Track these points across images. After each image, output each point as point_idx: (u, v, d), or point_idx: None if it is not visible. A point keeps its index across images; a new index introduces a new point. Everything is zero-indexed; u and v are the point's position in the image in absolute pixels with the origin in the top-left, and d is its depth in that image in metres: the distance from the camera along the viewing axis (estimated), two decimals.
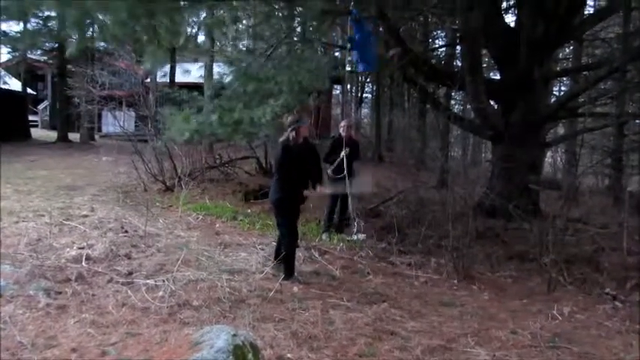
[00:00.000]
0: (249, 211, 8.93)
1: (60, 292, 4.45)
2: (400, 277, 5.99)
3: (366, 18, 7.82)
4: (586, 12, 12.34)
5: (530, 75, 8.99)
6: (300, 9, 7.75)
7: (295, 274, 5.41)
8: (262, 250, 6.41)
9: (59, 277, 4.79)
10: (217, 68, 13.18)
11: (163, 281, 4.80)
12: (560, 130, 17.83)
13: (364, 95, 24.98)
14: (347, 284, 5.45)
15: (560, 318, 4.79)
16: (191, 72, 20.44)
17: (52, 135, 22.19)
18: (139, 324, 3.92)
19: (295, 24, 8.99)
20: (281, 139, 5.46)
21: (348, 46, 6.91)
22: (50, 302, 4.19)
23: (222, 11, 8.69)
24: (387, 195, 9.96)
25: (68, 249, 5.63)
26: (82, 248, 5.65)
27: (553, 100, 14.20)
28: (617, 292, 5.67)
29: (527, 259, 6.87)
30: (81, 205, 8.37)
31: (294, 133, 5.30)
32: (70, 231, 6.58)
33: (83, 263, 5.17)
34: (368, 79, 20.86)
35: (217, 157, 12.35)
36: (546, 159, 17.67)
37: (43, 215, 7.22)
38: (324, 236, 7.43)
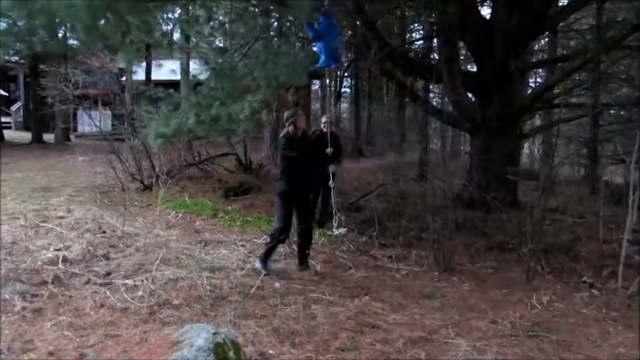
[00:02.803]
0: (229, 208, 8.85)
1: (36, 295, 4.37)
2: (381, 270, 6.00)
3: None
4: (560, 4, 12.50)
5: (506, 67, 9.07)
6: (277, 5, 7.70)
7: (269, 265, 5.47)
8: (243, 246, 6.38)
9: (35, 279, 4.70)
10: (194, 65, 13.06)
11: (142, 281, 4.75)
12: (537, 121, 18.05)
13: (343, 90, 25.00)
14: (329, 279, 5.45)
15: (539, 307, 4.85)
16: (170, 68, 20.24)
17: (26, 136, 21.79)
18: (118, 325, 3.87)
19: (272, 19, 8.94)
20: (281, 134, 5.62)
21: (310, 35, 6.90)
22: (26, 305, 4.11)
23: (197, 8, 8.58)
24: (367, 188, 10.00)
25: (44, 251, 5.54)
26: (59, 250, 5.57)
27: (529, 91, 14.37)
28: (594, 281, 5.75)
29: (507, 249, 6.94)
30: (57, 207, 8.22)
31: (292, 127, 5.45)
32: (46, 233, 6.47)
33: (60, 265, 5.10)
34: (346, 74, 20.88)
35: (196, 154, 12.24)
36: (524, 150, 17.87)
37: (17, 218, 7.07)
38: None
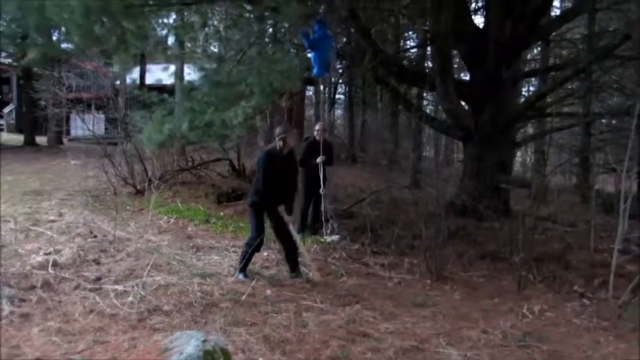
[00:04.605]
0: (221, 213, 8.83)
1: (24, 300, 4.32)
2: (374, 277, 5.99)
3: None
4: (552, 14, 12.62)
5: (498, 75, 9.12)
6: (271, 12, 7.72)
7: (248, 272, 5.47)
8: (235, 252, 6.35)
9: (24, 284, 4.65)
10: (188, 70, 13.04)
11: (133, 286, 4.70)
12: (530, 129, 18.16)
13: (337, 96, 25.03)
14: (320, 286, 5.42)
15: (530, 316, 4.86)
16: (162, 73, 20.15)
17: (19, 139, 21.60)
18: (107, 331, 3.83)
19: (266, 26, 8.95)
20: (268, 147, 5.71)
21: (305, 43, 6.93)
22: (14, 310, 4.06)
23: (192, 13, 8.59)
24: (360, 195, 9.99)
25: (34, 255, 5.48)
26: (49, 254, 5.50)
27: (522, 100, 14.44)
28: (585, 290, 5.77)
29: (499, 258, 6.94)
30: (48, 210, 8.15)
31: (281, 143, 5.50)
32: (36, 237, 6.42)
33: (49, 269, 5.04)
34: (340, 80, 20.93)
35: (189, 159, 12.21)
36: (516, 158, 17.96)
37: (8, 221, 7.00)
38: (297, 238, 7.38)
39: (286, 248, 5.67)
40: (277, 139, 5.56)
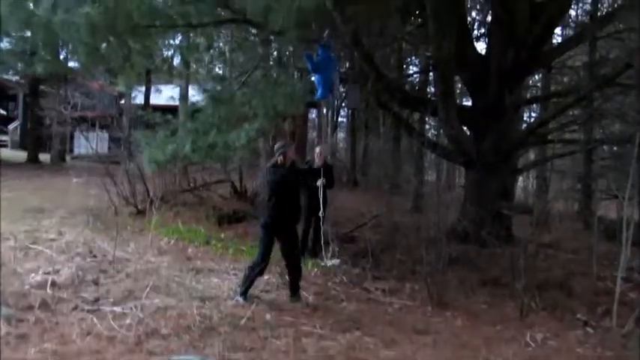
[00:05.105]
0: (222, 235, 8.79)
1: (22, 320, 4.28)
2: (374, 303, 5.93)
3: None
4: (554, 41, 12.76)
5: (500, 102, 9.17)
6: (276, 36, 7.83)
7: (248, 295, 5.42)
8: (235, 275, 6.30)
9: (22, 303, 4.62)
10: (193, 91, 13.15)
11: (131, 308, 4.67)
12: (531, 155, 18.18)
13: (339, 119, 25.15)
14: (320, 311, 5.37)
15: (533, 345, 4.79)
16: (169, 94, 20.33)
17: (22, 155, 21.68)
18: (103, 354, 3.79)
19: (271, 49, 9.06)
20: (269, 164, 5.76)
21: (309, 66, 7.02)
22: (10, 331, 4.03)
23: (198, 35, 8.69)
24: (361, 220, 9.95)
25: (33, 274, 5.46)
26: (48, 273, 5.48)
27: (523, 126, 14.49)
28: (588, 318, 5.70)
29: (501, 284, 6.88)
30: (48, 228, 8.13)
31: (281, 157, 5.55)
32: (35, 255, 6.39)
33: (48, 289, 5.02)
34: (343, 104, 21.06)
35: (191, 180, 12.20)
36: (518, 184, 17.93)
37: (8, 239, 6.98)
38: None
39: (291, 271, 5.61)
40: (277, 154, 5.59)
